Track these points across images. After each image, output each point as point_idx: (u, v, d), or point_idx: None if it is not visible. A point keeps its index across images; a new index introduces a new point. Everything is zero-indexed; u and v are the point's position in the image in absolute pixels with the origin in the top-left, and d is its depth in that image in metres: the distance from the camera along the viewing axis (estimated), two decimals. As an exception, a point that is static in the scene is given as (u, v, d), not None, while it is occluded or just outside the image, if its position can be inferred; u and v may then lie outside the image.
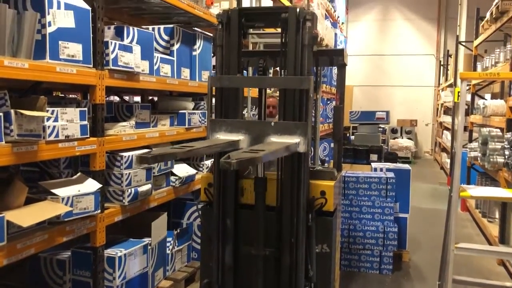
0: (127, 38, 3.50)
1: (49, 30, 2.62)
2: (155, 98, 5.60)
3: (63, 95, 5.57)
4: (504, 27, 6.44)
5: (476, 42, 8.03)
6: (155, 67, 3.83)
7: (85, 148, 2.92)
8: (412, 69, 17.23)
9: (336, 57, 3.67)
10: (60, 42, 2.70)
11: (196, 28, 5.37)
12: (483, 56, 8.23)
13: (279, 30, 3.05)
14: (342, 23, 12.72)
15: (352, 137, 9.02)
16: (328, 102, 9.19)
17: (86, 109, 3.01)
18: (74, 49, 2.81)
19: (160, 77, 3.88)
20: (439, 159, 14.19)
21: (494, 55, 6.33)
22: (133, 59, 3.37)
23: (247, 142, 2.85)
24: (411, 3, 17.20)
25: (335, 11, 11.13)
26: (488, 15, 6.53)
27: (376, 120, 9.14)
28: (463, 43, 11.08)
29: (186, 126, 4.25)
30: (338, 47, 11.21)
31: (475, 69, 8.07)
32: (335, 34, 10.74)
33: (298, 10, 2.89)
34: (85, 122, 2.93)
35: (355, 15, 17.38)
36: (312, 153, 4.42)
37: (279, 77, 3.11)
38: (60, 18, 2.69)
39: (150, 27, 4.35)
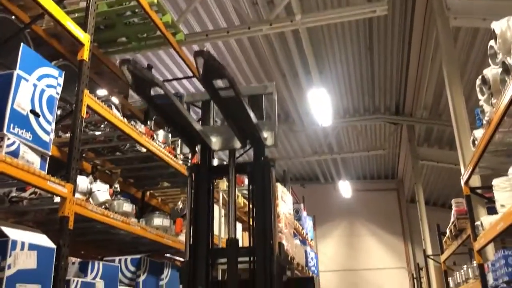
0: (91, 273, 3.39)
1: (8, 273, 2.52)
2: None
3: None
4: (467, 242, 6.66)
5: (442, 258, 8.19)
6: (119, 302, 3.63)
7: None
8: (386, 283, 16.99)
9: (307, 285, 3.59)
10: (17, 285, 2.57)
11: (166, 254, 5.35)
12: (453, 269, 8.29)
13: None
14: (311, 239, 12.94)
15: None
16: (305, 324, 8.65)
17: None
18: (31, 291, 2.67)
19: (123, 313, 3.65)
20: None
21: (463, 271, 6.38)
22: (95, 296, 3.20)
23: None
24: (375, 219, 17.99)
25: (303, 228, 11.42)
26: (448, 232, 6.82)
27: None
28: (431, 257, 11.26)
29: None
30: (309, 264, 11.17)
31: (447, 284, 8.03)
32: (305, 251, 10.79)
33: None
34: None
35: (323, 231, 17.85)
36: None
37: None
38: (21, 260, 2.62)
39: (117, 258, 4.28)
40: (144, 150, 4.42)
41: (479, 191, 5.41)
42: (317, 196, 17.32)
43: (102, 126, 4.27)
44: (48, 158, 3.01)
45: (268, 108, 3.26)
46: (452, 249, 7.17)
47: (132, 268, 4.16)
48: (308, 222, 12.53)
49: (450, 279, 7.94)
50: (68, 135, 3.69)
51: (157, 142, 4.59)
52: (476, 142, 4.53)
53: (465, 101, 6.55)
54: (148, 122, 5.17)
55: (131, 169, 5.13)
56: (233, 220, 3.00)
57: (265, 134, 3.08)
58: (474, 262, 5.66)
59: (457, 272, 7.05)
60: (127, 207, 3.96)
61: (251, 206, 3.07)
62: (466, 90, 7.29)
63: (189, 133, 2.96)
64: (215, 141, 3.11)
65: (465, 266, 6.39)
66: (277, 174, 15.73)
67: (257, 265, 2.92)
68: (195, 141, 3.08)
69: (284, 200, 8.08)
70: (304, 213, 12.11)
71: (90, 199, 3.62)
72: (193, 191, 3.03)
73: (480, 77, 3.82)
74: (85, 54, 3.51)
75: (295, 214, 10.50)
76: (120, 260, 4.17)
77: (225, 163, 5.95)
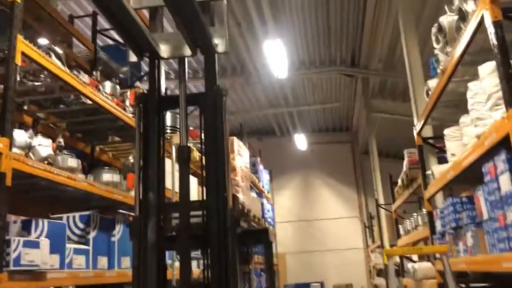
0: (35, 232, 3.21)
1: None
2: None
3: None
4: (418, 191, 6.87)
5: (394, 206, 8.46)
6: (67, 260, 3.49)
7: None
8: (340, 232, 17.64)
9: (261, 236, 3.57)
10: None
11: (121, 210, 5.21)
12: (403, 217, 8.61)
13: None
14: (268, 192, 13.10)
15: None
16: (262, 273, 8.88)
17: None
18: (-34, 253, 2.48)
19: (73, 271, 3.52)
20: (380, 323, 13.69)
21: (413, 219, 6.61)
22: (39, 256, 3.04)
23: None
24: (329, 171, 18.38)
25: (259, 181, 11.51)
26: (399, 181, 7.01)
27: (311, 292, 8.87)
28: (383, 206, 11.67)
29: (102, 325, 3.76)
30: (266, 216, 11.34)
31: (397, 231, 8.34)
32: (262, 204, 10.93)
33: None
34: None
35: (279, 183, 18.05)
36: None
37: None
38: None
39: (65, 215, 4.11)
40: (89, 102, 4.16)
41: (431, 141, 5.51)
42: (274, 149, 17.44)
43: (42, 76, 3.97)
44: (-22, 110, 2.74)
45: (219, 15, 3.07)
46: (403, 198, 7.39)
47: (81, 225, 4.00)
48: (264, 175, 12.65)
49: (400, 226, 8.25)
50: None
51: (104, 93, 4.33)
52: (429, 92, 4.54)
53: (420, 51, 6.57)
54: (94, 73, 4.87)
55: (77, 122, 4.86)
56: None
57: (216, 41, 2.91)
58: (424, 210, 5.85)
59: (407, 220, 7.31)
60: (72, 162, 3.75)
61: (202, 139, 2.94)
62: (421, 40, 7.30)
63: (138, 40, 2.75)
64: (164, 49, 2.90)
65: (415, 214, 6.61)
66: (233, 128, 15.61)
67: (210, 219, 2.83)
68: (143, 49, 2.86)
69: (241, 154, 8.03)
70: (261, 166, 12.19)
71: (31, 154, 3.38)
72: (141, 126, 2.85)
73: (435, 24, 3.77)
74: (16, -5, 3.17)
75: (252, 168, 10.53)
76: (68, 217, 4.00)
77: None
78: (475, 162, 3.22)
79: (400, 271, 8.39)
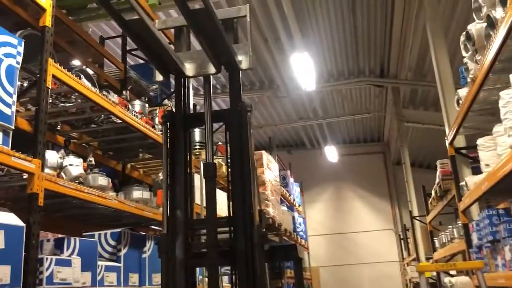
0: (67, 250, 3.28)
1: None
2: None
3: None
4: (453, 202, 6.67)
5: (428, 218, 8.24)
6: (99, 278, 3.54)
7: None
8: (374, 245, 17.26)
9: (289, 252, 3.53)
10: (-16, 267, 2.45)
11: (153, 226, 5.28)
12: (439, 229, 8.36)
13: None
14: (299, 205, 12.98)
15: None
16: (294, 288, 8.75)
17: None
18: (1, 272, 2.55)
19: (104, 288, 3.57)
20: None
21: (449, 231, 6.42)
22: (71, 273, 3.10)
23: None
24: (362, 182, 18.06)
25: (290, 195, 11.40)
26: (433, 193, 6.83)
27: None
28: (417, 218, 11.37)
29: None
30: (297, 229, 11.22)
31: (433, 244, 8.11)
32: (293, 217, 10.82)
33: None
34: None
35: (310, 195, 17.91)
36: None
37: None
38: (-13, 241, 2.49)
39: (97, 233, 4.18)
40: (119, 121, 4.24)
41: (463, 151, 5.36)
42: (304, 162, 17.31)
43: (73, 97, 4.07)
44: (11, 132, 2.84)
45: (242, 31, 3.10)
46: (437, 210, 7.20)
47: (112, 242, 4.06)
48: (295, 188, 12.53)
49: (435, 239, 8.02)
50: (37, 107, 3.49)
51: (133, 112, 4.41)
52: (460, 102, 4.43)
53: (450, 60, 6.43)
54: (124, 92, 4.98)
55: (109, 141, 4.96)
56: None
57: (240, 57, 2.94)
58: (459, 222, 5.67)
59: (443, 233, 7.10)
60: (103, 180, 3.82)
61: (228, 155, 2.97)
62: (450, 49, 7.16)
63: (163, 59, 2.82)
64: (189, 67, 2.96)
65: (450, 226, 6.42)
66: (262, 141, 15.62)
67: (237, 235, 2.82)
68: (169, 68, 2.93)
69: (270, 168, 8.00)
70: (291, 180, 12.09)
71: (63, 174, 3.47)
72: (169, 144, 2.90)
73: (464, 33, 3.68)
74: (47, 20, 3.29)
75: (282, 181, 10.45)
76: (99, 234, 4.06)
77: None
78: (511, 173, 3.11)
79: (438, 285, 8.13)
